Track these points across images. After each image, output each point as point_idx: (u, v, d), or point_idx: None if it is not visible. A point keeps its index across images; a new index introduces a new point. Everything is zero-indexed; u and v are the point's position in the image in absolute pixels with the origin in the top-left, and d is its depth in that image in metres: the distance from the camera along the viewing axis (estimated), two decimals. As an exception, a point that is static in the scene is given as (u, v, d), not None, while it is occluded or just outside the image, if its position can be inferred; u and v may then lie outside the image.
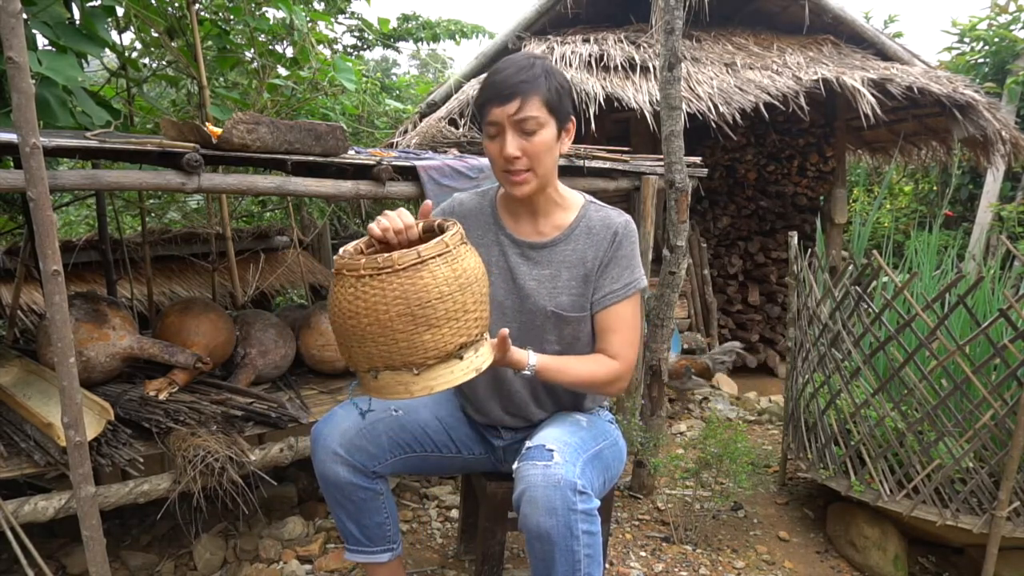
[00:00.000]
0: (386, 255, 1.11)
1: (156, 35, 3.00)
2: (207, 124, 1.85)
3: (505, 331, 1.28)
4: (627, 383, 1.51)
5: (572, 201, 1.51)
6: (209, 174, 1.68)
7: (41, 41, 2.12)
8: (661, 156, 2.42)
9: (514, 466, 1.31)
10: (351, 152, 2.09)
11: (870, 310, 2.09)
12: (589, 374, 1.43)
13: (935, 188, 6.99)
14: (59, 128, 2.08)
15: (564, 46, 4.28)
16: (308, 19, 3.44)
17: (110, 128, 2.13)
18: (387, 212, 1.26)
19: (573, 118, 1.42)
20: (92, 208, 4.10)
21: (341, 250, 1.21)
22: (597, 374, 1.44)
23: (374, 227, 1.23)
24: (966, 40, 6.55)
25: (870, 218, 2.79)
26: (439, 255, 1.13)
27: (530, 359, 1.35)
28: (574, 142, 1.68)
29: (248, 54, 3.38)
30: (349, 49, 5.31)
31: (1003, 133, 4.22)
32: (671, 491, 2.63)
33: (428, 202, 1.30)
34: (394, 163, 2.05)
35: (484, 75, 1.40)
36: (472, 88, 4.00)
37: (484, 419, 1.60)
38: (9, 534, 1.52)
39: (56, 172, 1.48)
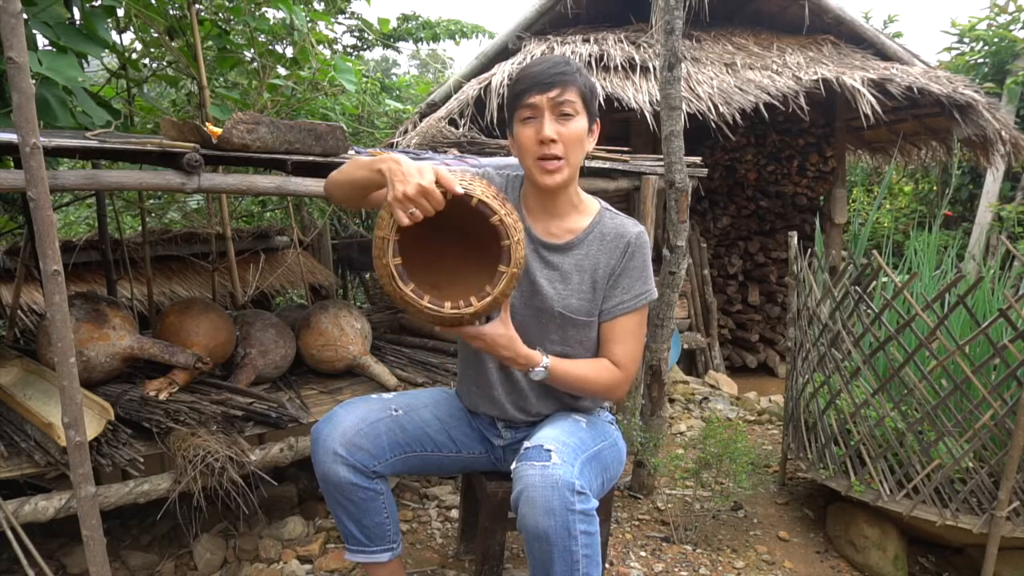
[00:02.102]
0: (466, 312, 1.23)
1: (156, 35, 3.00)
2: (207, 124, 1.85)
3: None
4: (625, 392, 1.55)
5: (588, 206, 1.53)
6: (209, 174, 1.68)
7: (41, 41, 2.12)
8: (661, 156, 2.42)
9: (512, 466, 1.32)
10: (351, 152, 2.09)
11: (870, 310, 2.09)
12: (595, 376, 1.47)
13: (935, 188, 6.99)
14: (59, 128, 2.08)
15: (564, 46, 4.28)
16: (308, 19, 3.44)
17: (110, 128, 2.13)
18: (414, 190, 1.15)
19: (598, 121, 1.46)
20: (92, 208, 4.11)
21: (393, 268, 1.21)
22: (601, 377, 1.47)
23: (403, 218, 1.16)
24: (966, 40, 6.55)
25: (870, 218, 2.78)
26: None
27: (544, 359, 1.39)
28: None
29: (248, 54, 3.38)
30: (349, 49, 5.31)
31: (1003, 133, 4.22)
32: (671, 491, 2.63)
33: (457, 189, 1.18)
34: (394, 163, 2.04)
35: (516, 73, 1.45)
36: (472, 88, 4.00)
37: (491, 408, 1.60)
38: (9, 534, 1.52)
39: (56, 172, 1.48)
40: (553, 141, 1.37)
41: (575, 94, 1.37)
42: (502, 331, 1.34)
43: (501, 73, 3.97)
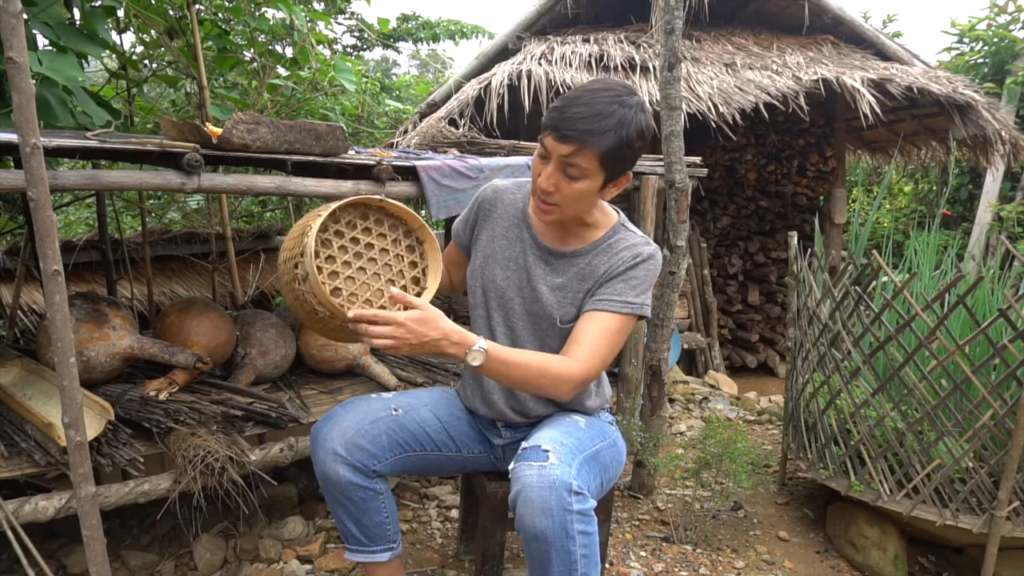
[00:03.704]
0: None
1: (156, 35, 3.00)
2: (207, 124, 1.85)
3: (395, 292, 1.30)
4: (574, 393, 1.41)
5: (604, 222, 1.50)
6: (209, 174, 1.68)
7: (41, 41, 2.12)
8: (661, 156, 2.42)
9: (510, 467, 1.31)
10: (351, 152, 2.09)
11: (870, 310, 2.09)
12: (547, 365, 1.35)
13: (935, 188, 6.99)
14: (59, 128, 2.08)
15: (564, 46, 4.28)
16: (308, 19, 3.45)
17: (110, 128, 2.13)
18: None
19: (630, 173, 1.38)
20: (92, 208, 4.11)
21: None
22: (557, 368, 1.35)
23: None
24: (965, 40, 6.55)
25: (870, 218, 2.79)
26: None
27: (480, 341, 1.28)
28: None
29: (248, 54, 3.38)
30: (349, 49, 5.32)
31: (1002, 133, 4.22)
32: (671, 491, 2.63)
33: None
34: (394, 163, 2.05)
35: (568, 93, 1.34)
36: (472, 88, 4.00)
37: (488, 411, 1.60)
38: (9, 534, 1.52)
39: (56, 172, 1.48)
40: (548, 192, 1.34)
41: (591, 159, 1.28)
42: (417, 314, 1.23)
43: (501, 73, 3.96)
